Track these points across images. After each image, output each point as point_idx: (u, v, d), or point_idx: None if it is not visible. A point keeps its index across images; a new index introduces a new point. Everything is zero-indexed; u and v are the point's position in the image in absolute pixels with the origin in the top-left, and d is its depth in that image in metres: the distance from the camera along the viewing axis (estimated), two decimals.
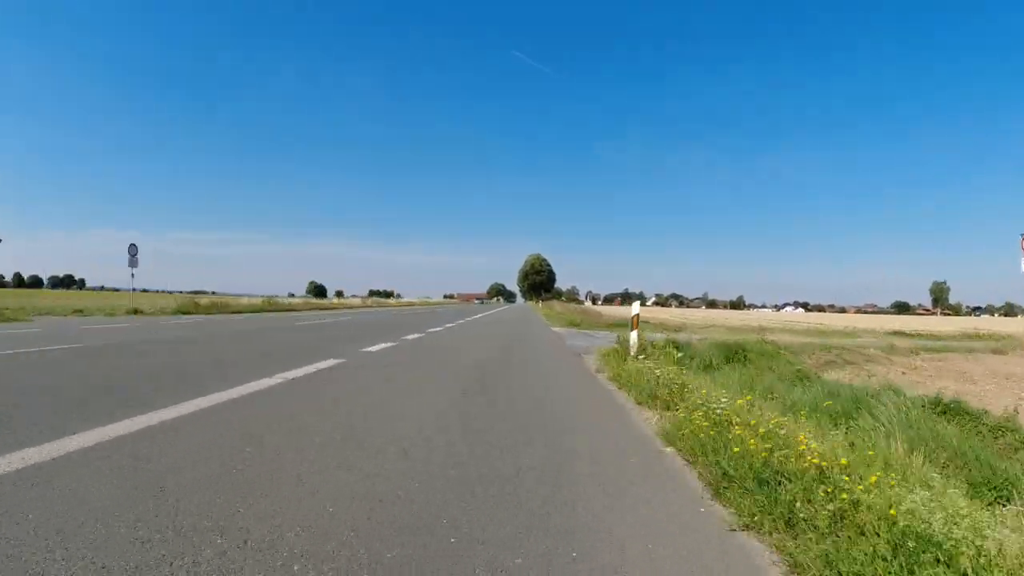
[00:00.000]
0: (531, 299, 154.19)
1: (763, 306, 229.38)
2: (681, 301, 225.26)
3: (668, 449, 4.19)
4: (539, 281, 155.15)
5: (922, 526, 2.21)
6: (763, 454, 3.18)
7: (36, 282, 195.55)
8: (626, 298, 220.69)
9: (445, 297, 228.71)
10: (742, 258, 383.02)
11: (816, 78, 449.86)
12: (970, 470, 3.96)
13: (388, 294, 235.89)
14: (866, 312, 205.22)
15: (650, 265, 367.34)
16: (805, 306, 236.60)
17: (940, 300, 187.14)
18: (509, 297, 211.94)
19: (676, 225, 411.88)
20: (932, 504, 2.39)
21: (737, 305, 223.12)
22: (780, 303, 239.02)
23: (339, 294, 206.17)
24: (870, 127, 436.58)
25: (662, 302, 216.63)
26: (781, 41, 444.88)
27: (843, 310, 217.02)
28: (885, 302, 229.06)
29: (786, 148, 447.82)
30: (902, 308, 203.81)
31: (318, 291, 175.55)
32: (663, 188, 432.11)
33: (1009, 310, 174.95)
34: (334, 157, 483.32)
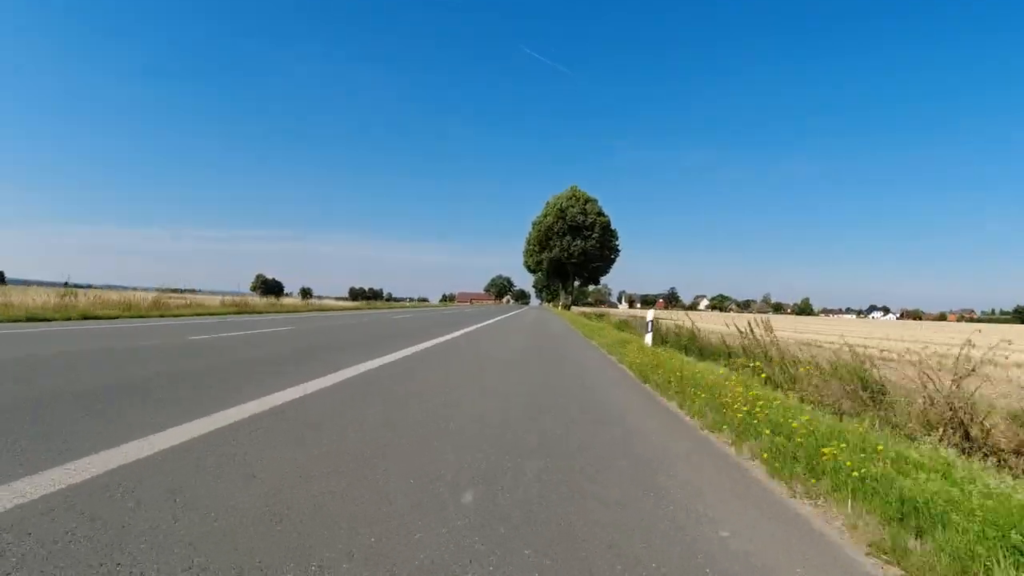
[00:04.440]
0: (549, 297, 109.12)
1: (843, 311, 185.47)
2: (739, 304, 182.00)
3: None
4: (576, 253, 65.25)
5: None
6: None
7: None
8: (671, 300, 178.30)
9: (444, 298, 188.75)
10: (800, 259, 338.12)
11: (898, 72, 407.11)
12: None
13: (377, 294, 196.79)
14: (974, 318, 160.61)
15: (684, 264, 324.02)
16: (886, 310, 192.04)
17: None
18: (521, 298, 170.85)
19: (714, 223, 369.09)
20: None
21: (805, 310, 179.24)
22: (859, 309, 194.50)
23: (305, 292, 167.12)
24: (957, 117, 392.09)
25: (718, 305, 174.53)
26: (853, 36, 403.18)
27: (943, 316, 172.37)
28: (983, 307, 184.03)
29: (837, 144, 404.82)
30: (1023, 316, 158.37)
31: (268, 288, 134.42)
32: (690, 187, 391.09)
33: None
34: (314, 151, 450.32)
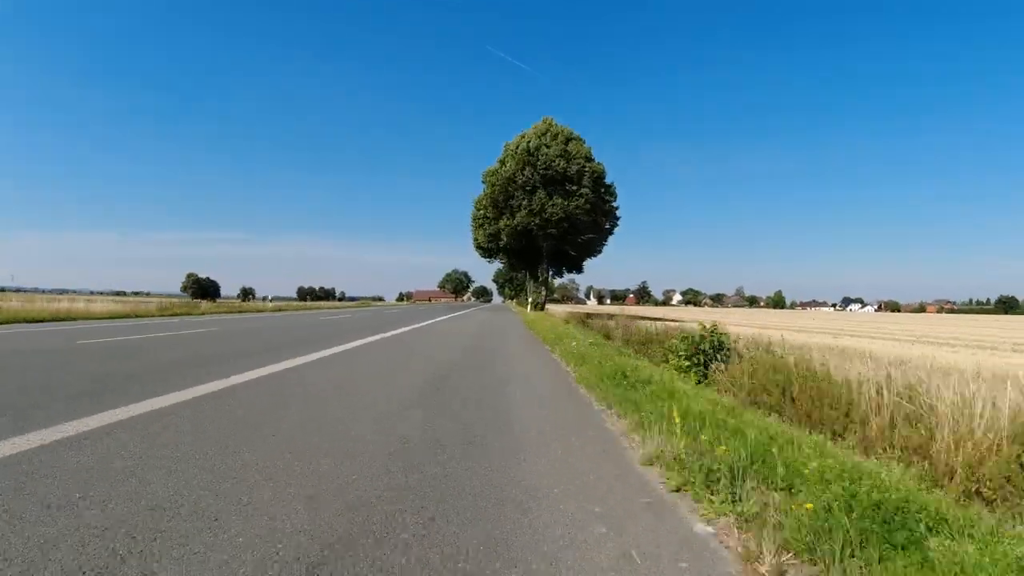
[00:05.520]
0: (513, 292, 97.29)
1: (814, 303, 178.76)
2: (712, 299, 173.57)
3: None
4: (555, 218, 37.25)
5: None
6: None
7: None
8: (643, 296, 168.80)
9: (401, 296, 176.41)
10: (773, 252, 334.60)
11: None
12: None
13: (328, 293, 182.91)
14: (953, 309, 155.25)
15: (654, 259, 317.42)
16: (862, 302, 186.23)
17: None
18: (483, 295, 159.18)
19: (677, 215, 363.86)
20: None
21: (779, 303, 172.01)
22: (834, 303, 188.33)
23: (247, 293, 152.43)
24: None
25: (691, 299, 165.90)
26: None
27: (922, 308, 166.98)
28: (957, 297, 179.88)
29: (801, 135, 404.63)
30: (1008, 305, 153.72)
31: (202, 290, 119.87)
32: (654, 183, 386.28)
33: None
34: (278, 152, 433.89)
